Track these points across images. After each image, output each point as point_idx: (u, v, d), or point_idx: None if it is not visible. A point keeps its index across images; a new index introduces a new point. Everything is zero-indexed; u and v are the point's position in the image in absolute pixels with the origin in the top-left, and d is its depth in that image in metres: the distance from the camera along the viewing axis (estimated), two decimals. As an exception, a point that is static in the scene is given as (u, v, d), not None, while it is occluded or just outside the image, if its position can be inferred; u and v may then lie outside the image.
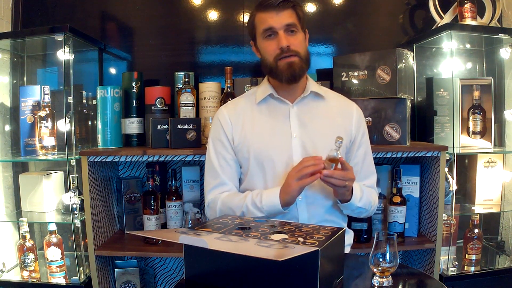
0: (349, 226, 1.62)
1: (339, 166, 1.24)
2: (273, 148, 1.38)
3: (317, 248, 0.90)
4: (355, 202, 1.34)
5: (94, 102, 2.00)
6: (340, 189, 1.27)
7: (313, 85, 1.45)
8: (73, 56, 1.82)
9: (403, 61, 1.75)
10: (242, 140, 1.42)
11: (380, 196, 1.81)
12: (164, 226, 1.94)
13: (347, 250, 1.48)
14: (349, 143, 1.44)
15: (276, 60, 1.33)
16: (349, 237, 1.51)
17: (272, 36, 1.34)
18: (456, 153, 1.83)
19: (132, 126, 1.93)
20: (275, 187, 1.34)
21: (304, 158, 1.28)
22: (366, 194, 1.39)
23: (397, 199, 1.77)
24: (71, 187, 1.82)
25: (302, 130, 1.40)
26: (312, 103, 1.44)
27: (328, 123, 1.42)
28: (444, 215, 1.77)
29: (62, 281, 1.85)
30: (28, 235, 1.87)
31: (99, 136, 1.89)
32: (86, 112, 2.13)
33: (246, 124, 1.43)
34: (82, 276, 1.85)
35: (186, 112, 1.88)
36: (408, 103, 1.79)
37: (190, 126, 1.77)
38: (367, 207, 1.40)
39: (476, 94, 1.94)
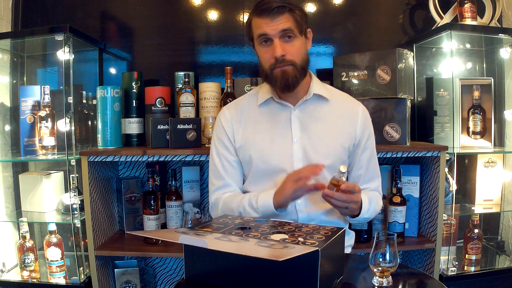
0: (349, 226, 1.62)
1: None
2: (274, 153, 1.36)
3: (317, 248, 0.90)
4: (362, 216, 1.33)
5: (94, 102, 2.00)
6: (341, 209, 1.26)
7: (316, 86, 1.40)
8: (73, 56, 1.82)
9: (403, 61, 1.75)
10: (244, 143, 1.40)
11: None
12: (164, 226, 1.94)
13: (348, 251, 1.47)
14: (353, 146, 1.40)
15: (271, 68, 1.30)
16: (350, 238, 1.50)
17: (267, 42, 1.29)
18: (456, 153, 1.83)
19: (132, 126, 1.93)
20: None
21: (307, 165, 1.28)
22: (373, 203, 1.37)
23: (397, 199, 1.77)
24: (71, 187, 1.82)
25: (303, 134, 1.36)
26: (314, 106, 1.39)
27: (331, 127, 1.38)
28: (444, 215, 1.77)
29: (62, 281, 1.85)
30: (28, 235, 1.87)
31: (99, 136, 1.89)
32: (86, 112, 2.13)
33: (247, 126, 1.41)
34: (82, 276, 1.85)
35: (186, 112, 1.89)
36: (408, 103, 1.79)
37: (190, 126, 1.77)
38: (374, 215, 1.41)
39: (476, 94, 1.94)
